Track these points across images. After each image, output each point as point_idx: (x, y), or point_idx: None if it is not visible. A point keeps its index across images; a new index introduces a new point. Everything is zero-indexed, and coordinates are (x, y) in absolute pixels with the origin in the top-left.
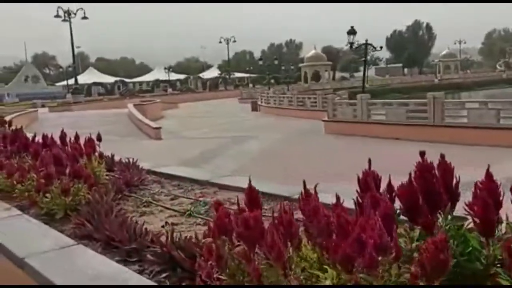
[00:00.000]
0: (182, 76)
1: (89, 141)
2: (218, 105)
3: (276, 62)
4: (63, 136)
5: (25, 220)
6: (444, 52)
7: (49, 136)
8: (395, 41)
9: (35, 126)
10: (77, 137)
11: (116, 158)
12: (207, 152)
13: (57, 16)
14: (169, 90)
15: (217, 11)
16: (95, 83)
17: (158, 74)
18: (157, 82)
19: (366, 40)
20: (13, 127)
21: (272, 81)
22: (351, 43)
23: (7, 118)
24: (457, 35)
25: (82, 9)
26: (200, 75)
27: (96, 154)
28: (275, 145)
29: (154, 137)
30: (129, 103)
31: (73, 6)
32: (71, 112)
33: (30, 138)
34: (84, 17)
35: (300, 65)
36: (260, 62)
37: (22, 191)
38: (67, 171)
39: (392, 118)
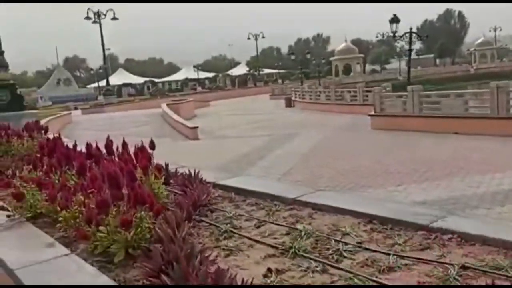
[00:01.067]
0: (210, 74)
1: (142, 150)
2: (249, 102)
3: (308, 56)
4: (109, 144)
5: (75, 265)
6: (479, 41)
7: (93, 144)
8: (426, 31)
9: (69, 129)
10: (125, 145)
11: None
12: (252, 153)
13: (87, 18)
14: (199, 88)
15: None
16: (125, 84)
17: (187, 73)
18: (186, 81)
19: (411, 29)
20: (50, 134)
21: (301, 75)
22: (394, 32)
23: (42, 122)
24: (491, 23)
25: (111, 10)
26: (229, 72)
27: (152, 166)
28: (322, 142)
29: (191, 137)
30: (162, 103)
31: (103, 7)
32: (104, 114)
33: (71, 146)
34: (114, 18)
35: (331, 58)
36: (292, 57)
37: (67, 218)
38: (125, 192)
39: (447, 110)
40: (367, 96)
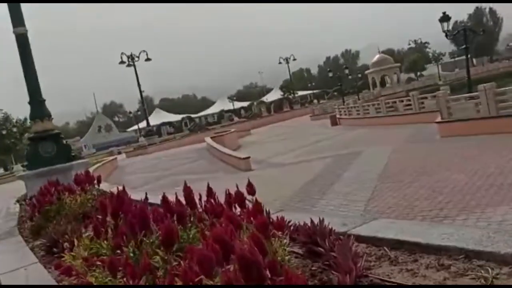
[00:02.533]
0: (245, 103)
1: (239, 198)
2: (290, 126)
3: (346, 71)
4: (190, 193)
5: None
6: None
7: (172, 197)
8: (460, 32)
9: (117, 174)
10: (210, 192)
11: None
12: (318, 179)
13: (122, 62)
14: (236, 118)
15: (265, 36)
16: (163, 123)
17: (222, 105)
18: (222, 113)
19: (464, 25)
20: (105, 185)
21: (336, 93)
22: (447, 31)
23: (91, 171)
24: None
25: (144, 51)
26: (263, 99)
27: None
28: (393, 159)
29: (244, 168)
30: (204, 137)
31: (135, 50)
32: (149, 155)
33: (138, 198)
34: (148, 59)
35: (367, 71)
36: (330, 74)
37: None
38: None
39: None
40: (422, 103)
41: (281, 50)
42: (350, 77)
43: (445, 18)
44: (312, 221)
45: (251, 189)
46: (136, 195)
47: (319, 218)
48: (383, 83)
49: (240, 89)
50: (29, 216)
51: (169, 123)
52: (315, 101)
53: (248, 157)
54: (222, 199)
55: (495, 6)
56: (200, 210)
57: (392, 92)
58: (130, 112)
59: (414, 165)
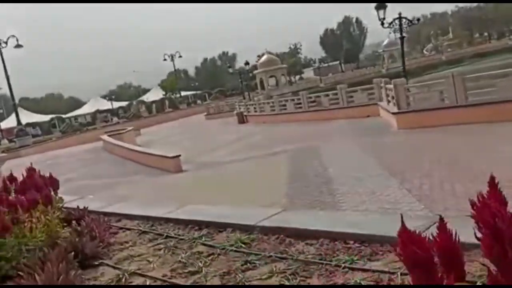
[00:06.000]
0: (123, 103)
1: None
2: (186, 125)
3: (230, 70)
4: None
5: None
6: (386, 42)
7: None
8: (329, 39)
9: None
10: None
11: None
12: (302, 179)
13: None
14: (115, 119)
15: (139, 37)
16: (28, 124)
17: (96, 105)
18: (96, 113)
19: (400, 14)
20: None
21: (213, 94)
22: (382, 19)
23: None
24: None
25: (14, 36)
26: (143, 98)
27: None
28: (369, 154)
29: (173, 170)
30: (86, 138)
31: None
32: (25, 158)
33: None
34: (18, 45)
35: (255, 71)
36: (230, 70)
37: None
38: None
39: (504, 94)
40: (351, 97)
41: (157, 50)
42: (241, 75)
43: (381, 6)
44: None
45: None
46: None
47: None
48: (262, 86)
49: (113, 88)
50: None
51: (36, 124)
52: (199, 101)
53: (178, 156)
54: None
55: (361, 16)
56: None
57: (280, 93)
58: None
59: (403, 160)
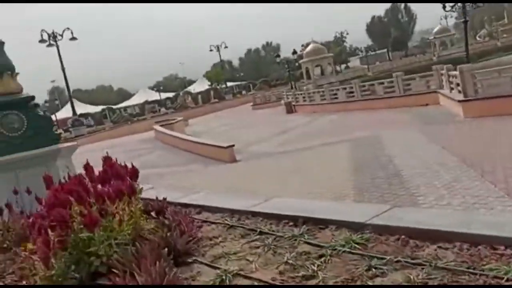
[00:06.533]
0: (170, 94)
1: None
2: (233, 116)
3: (277, 59)
4: None
5: None
6: (436, 29)
7: None
8: (376, 27)
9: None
10: None
11: None
12: (368, 170)
13: (42, 41)
14: (162, 109)
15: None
16: (81, 115)
17: (144, 96)
18: (144, 104)
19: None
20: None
21: (257, 84)
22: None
23: None
24: (437, 12)
25: (69, 29)
26: (190, 89)
27: None
28: (444, 143)
29: (227, 160)
30: (137, 128)
31: (58, 29)
32: (80, 147)
33: None
34: (73, 38)
35: (301, 61)
36: (278, 60)
37: None
38: None
39: None
40: (408, 85)
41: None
42: (286, 65)
43: None
44: None
45: None
46: None
47: None
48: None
49: (159, 80)
50: (43, 258)
51: (87, 115)
52: (244, 92)
53: (232, 145)
54: None
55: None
56: None
57: (327, 82)
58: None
59: (492, 147)
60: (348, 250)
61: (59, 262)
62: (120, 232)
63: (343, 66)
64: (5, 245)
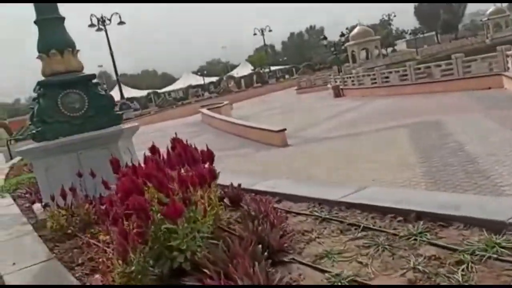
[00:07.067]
0: (213, 79)
1: None
2: (278, 100)
3: (325, 42)
4: None
5: None
6: (491, 9)
7: None
8: (425, 9)
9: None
10: None
11: None
12: (426, 163)
13: (92, 25)
14: (206, 94)
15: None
16: (127, 99)
17: (187, 80)
18: (188, 88)
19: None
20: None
21: (301, 68)
22: None
23: None
24: None
25: (117, 13)
26: (233, 73)
27: None
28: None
29: (279, 144)
30: (182, 111)
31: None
32: None
33: None
34: (121, 22)
35: (346, 44)
36: (325, 42)
37: None
38: None
39: None
40: (468, 67)
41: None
42: (333, 49)
43: None
44: None
45: None
46: None
47: None
48: (354, 58)
49: (202, 64)
50: (121, 251)
51: (133, 99)
52: (287, 76)
53: (284, 130)
54: None
55: None
56: None
57: (373, 66)
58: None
59: None
60: (494, 256)
61: (138, 256)
62: (203, 224)
63: (389, 49)
64: (69, 231)
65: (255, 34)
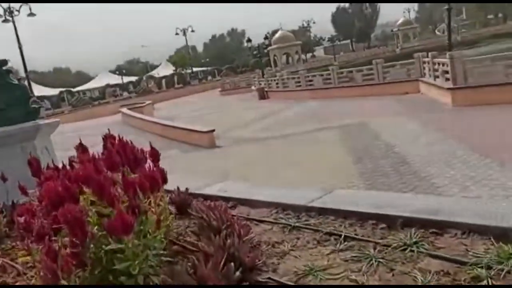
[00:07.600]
0: (133, 78)
1: None
2: (201, 101)
3: (248, 44)
4: None
5: None
6: (401, 21)
7: None
8: (340, 18)
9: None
10: None
11: None
12: (360, 164)
13: None
14: (125, 93)
15: (140, 12)
16: (38, 98)
17: (105, 79)
18: (105, 87)
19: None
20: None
21: (223, 70)
22: None
23: None
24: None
25: (27, 4)
26: (153, 73)
27: None
28: (444, 131)
29: (207, 145)
30: (121, 109)
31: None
32: None
33: None
34: (31, 14)
35: (269, 48)
36: (249, 45)
37: None
38: None
39: None
40: (387, 72)
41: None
42: (255, 51)
43: None
44: None
45: None
46: None
47: None
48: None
49: (120, 63)
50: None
51: (45, 98)
52: (209, 77)
53: (213, 130)
54: None
55: None
56: None
57: (295, 70)
58: None
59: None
60: (506, 268)
61: (73, 283)
62: (155, 238)
63: (308, 55)
64: None
65: (177, 34)
